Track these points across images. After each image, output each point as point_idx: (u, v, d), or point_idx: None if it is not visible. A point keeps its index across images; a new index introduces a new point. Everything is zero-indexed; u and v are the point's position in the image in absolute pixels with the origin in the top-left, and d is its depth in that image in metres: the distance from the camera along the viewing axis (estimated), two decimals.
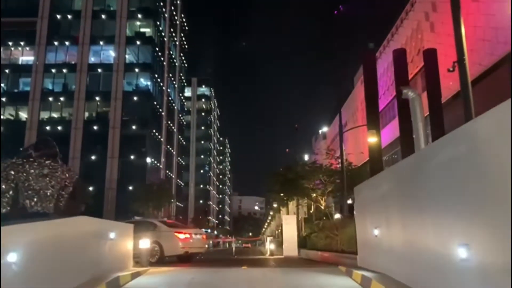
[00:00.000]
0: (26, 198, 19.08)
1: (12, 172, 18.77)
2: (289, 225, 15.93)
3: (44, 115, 52.44)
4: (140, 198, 42.47)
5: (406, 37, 31.83)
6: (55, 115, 52.95)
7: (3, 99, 52.05)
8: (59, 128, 51.79)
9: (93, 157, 51.37)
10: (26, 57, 54.57)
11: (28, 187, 19.48)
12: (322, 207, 28.96)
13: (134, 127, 52.55)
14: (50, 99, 52.70)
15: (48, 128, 51.58)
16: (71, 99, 52.50)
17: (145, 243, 10.68)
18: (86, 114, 53.15)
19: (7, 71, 52.61)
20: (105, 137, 51.30)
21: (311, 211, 34.06)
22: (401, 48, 22.39)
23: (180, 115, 74.67)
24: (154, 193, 41.32)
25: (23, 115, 52.24)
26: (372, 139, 18.10)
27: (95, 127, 52.35)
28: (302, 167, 31.66)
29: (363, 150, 31.09)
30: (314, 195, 30.35)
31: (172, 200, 58.04)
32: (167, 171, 63.06)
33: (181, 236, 14.22)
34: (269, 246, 21.40)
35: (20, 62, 54.34)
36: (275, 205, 50.06)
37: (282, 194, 34.50)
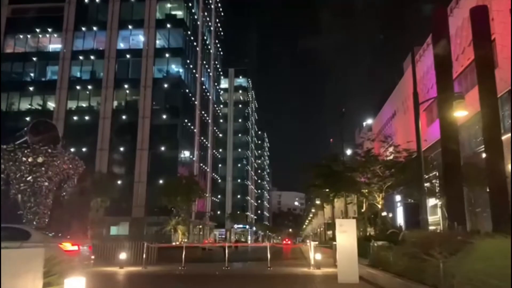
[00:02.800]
0: (18, 191, 15.04)
1: (2, 161, 14.38)
2: (346, 233, 10.94)
3: (72, 104, 49.86)
4: (170, 192, 38.67)
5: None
6: (83, 104, 50.27)
7: (31, 88, 49.84)
8: (87, 118, 49.03)
9: (121, 149, 48.22)
10: (53, 45, 52.15)
11: (20, 179, 15.09)
12: (379, 206, 23.71)
13: (164, 116, 48.93)
14: (78, 87, 50.03)
15: (75, 118, 48.92)
16: (99, 88, 49.58)
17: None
18: (115, 103, 50.10)
19: (34, 59, 50.44)
20: (134, 127, 48.04)
21: (362, 210, 28.82)
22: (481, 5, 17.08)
23: (215, 106, 70.73)
24: (182, 186, 37.43)
25: (51, 104, 49.85)
26: (460, 113, 12.84)
27: (124, 117, 49.20)
28: (353, 157, 26.49)
29: (414, 139, 25.79)
30: (366, 190, 25.22)
31: (206, 194, 54.25)
32: (201, 164, 59.26)
33: (69, 247, 10.69)
34: (314, 255, 16.58)
35: (47, 50, 51.97)
36: (317, 202, 45.11)
37: (327, 190, 29.53)
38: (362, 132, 59.34)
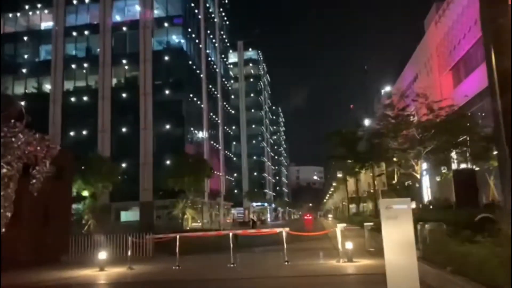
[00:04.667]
0: None
1: None
2: (398, 220, 7.02)
3: (69, 85, 46.52)
4: (176, 173, 35.26)
5: None
6: (80, 84, 46.85)
7: (25, 70, 46.54)
8: (85, 98, 45.67)
9: (124, 129, 44.93)
10: (45, 23, 48.50)
11: None
12: (417, 175, 19.68)
13: (168, 92, 45.23)
14: (74, 66, 46.55)
15: (73, 99, 45.62)
16: (96, 65, 46.00)
17: None
18: (114, 80, 46.54)
19: (26, 39, 46.95)
20: (136, 105, 44.57)
21: (393, 182, 24.84)
22: None
23: (224, 80, 66.58)
24: (190, 166, 33.93)
25: (47, 86, 46.57)
26: None
27: (124, 95, 45.72)
28: (382, 120, 22.27)
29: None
30: (395, 159, 21.24)
31: (218, 173, 50.89)
32: (212, 142, 55.68)
33: None
34: (343, 243, 12.84)
35: (39, 28, 48.34)
36: (339, 175, 41.20)
37: (350, 161, 25.60)
38: (382, 99, 54.77)
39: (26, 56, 47.44)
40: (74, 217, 35.48)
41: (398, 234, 7.11)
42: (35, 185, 17.50)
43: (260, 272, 12.29)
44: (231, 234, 14.91)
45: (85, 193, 34.99)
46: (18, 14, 48.06)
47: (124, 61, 46.38)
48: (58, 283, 12.02)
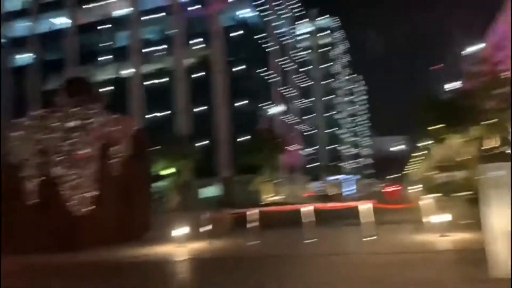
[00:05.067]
0: (55, 164, 12.07)
1: (35, 130, 11.14)
2: (498, 189, 5.71)
3: (146, 69, 48.16)
4: (251, 149, 35.20)
5: None
6: (156, 67, 48.30)
7: (104, 58, 49.01)
8: (162, 81, 47.05)
9: (200, 108, 45.78)
10: (120, 10, 50.33)
11: (55, 149, 11.71)
12: None
13: (239, 68, 45.01)
14: (150, 50, 47.98)
15: (150, 82, 47.26)
16: (171, 47, 47.01)
17: None
18: (188, 61, 47.31)
19: (103, 27, 49.16)
20: (210, 84, 45.03)
21: (489, 147, 22.17)
22: None
23: (296, 51, 64.90)
24: (264, 141, 33.61)
25: (126, 72, 48.69)
26: None
27: (198, 75, 46.39)
28: (475, 78, 19.61)
29: None
30: (490, 122, 18.75)
31: (293, 147, 50.12)
32: (287, 116, 54.90)
33: None
34: (436, 216, 11.49)
35: (115, 15, 50.34)
36: (427, 143, 38.25)
37: (440, 126, 23.27)
38: (472, 55, 49.67)
39: (105, 44, 49.81)
40: (158, 195, 37.17)
41: (499, 205, 5.83)
42: (115, 165, 18.17)
43: (340, 248, 11.46)
44: (308, 208, 14.17)
45: (167, 172, 36.19)
46: (95, 5, 50.34)
47: (196, 40, 46.87)
48: (139, 260, 12.21)
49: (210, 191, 45.58)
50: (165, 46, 47.46)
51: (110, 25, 49.29)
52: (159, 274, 9.89)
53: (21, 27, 51.23)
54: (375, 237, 12.23)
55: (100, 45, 49.85)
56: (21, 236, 15.92)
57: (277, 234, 16.26)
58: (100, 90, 46.12)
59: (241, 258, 10.98)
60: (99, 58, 49.06)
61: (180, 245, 13.85)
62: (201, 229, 14.97)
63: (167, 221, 18.08)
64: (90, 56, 49.18)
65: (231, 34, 45.42)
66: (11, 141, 15.47)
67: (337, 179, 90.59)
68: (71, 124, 15.03)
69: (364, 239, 12.14)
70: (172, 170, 36.51)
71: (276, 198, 42.91)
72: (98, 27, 49.36)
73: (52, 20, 50.86)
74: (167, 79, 46.93)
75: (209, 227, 15.06)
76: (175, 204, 35.52)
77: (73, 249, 14.95)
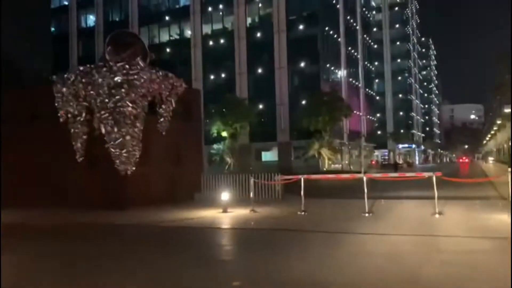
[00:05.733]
0: (99, 121, 11.96)
1: (81, 85, 10.99)
2: None
3: (207, 29, 47.28)
4: (312, 112, 33.53)
5: None
6: (217, 27, 47.21)
7: (167, 17, 48.69)
8: (222, 41, 46.06)
9: (260, 70, 44.37)
10: None
11: (100, 105, 11.40)
12: None
13: (302, 27, 42.74)
14: (210, 9, 46.85)
15: (211, 43, 46.41)
16: (231, 6, 45.51)
17: None
18: (248, 20, 45.69)
19: None
20: (270, 44, 43.27)
21: None
22: None
23: (364, 10, 60.60)
24: (325, 105, 31.76)
25: (188, 32, 48.12)
26: None
27: (258, 34, 44.73)
28: None
29: None
30: None
31: (357, 112, 47.54)
32: (351, 79, 51.91)
33: None
34: None
35: None
36: (507, 110, 34.09)
37: None
38: None
39: (168, 5, 49.37)
40: (215, 157, 37.07)
41: None
42: (163, 124, 17.44)
43: (403, 226, 9.85)
44: (366, 177, 12.58)
45: (224, 134, 35.72)
46: None
47: None
48: (177, 224, 11.49)
49: (267, 155, 44.82)
50: (227, 5, 45.99)
51: None
52: (191, 241, 9.03)
53: None
54: (444, 215, 10.48)
55: (165, 5, 49.44)
56: (71, 192, 15.99)
57: (332, 204, 14.88)
58: (160, 50, 46.39)
59: (284, 231, 9.79)
60: (164, 18, 48.79)
61: (224, 210, 12.99)
62: (251, 194, 13.94)
63: (219, 184, 17.35)
64: (152, 16, 49.09)
65: None
66: (59, 97, 15.17)
67: (407, 147, 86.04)
68: (116, 80, 14.35)
69: (434, 216, 10.45)
70: (230, 132, 35.98)
71: (337, 165, 41.19)
72: None
73: None
74: (227, 39, 45.74)
75: (251, 193, 13.99)
76: (231, 167, 35.07)
77: (121, 207, 14.70)
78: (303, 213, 12.20)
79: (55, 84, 15.25)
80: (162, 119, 16.13)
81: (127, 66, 14.50)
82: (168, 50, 48.26)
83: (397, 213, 12.32)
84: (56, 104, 15.24)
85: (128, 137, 14.44)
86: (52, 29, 53.38)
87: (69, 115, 15.22)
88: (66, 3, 52.73)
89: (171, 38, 48.87)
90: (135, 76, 14.59)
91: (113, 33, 16.43)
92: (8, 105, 17.97)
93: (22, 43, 50.78)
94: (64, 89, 15.16)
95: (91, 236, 10.30)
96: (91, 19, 51.04)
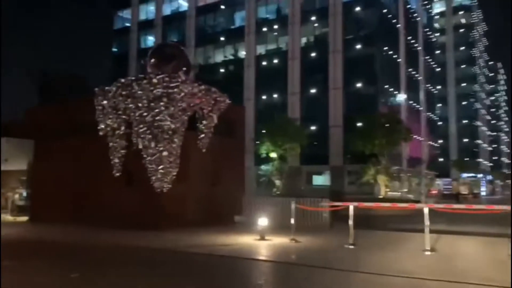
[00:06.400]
0: (137, 135, 11.49)
1: (121, 98, 10.43)
2: None
3: (260, 49, 46.90)
4: (368, 135, 31.52)
5: None
6: (271, 47, 46.71)
7: (222, 38, 49.00)
8: (276, 61, 45.43)
9: (313, 90, 43.10)
10: None
11: (139, 119, 10.83)
12: None
13: (359, 46, 41.13)
14: (265, 29, 46.56)
15: (264, 63, 45.95)
16: (286, 26, 44.97)
17: None
18: (303, 40, 44.79)
19: (223, 7, 49.02)
20: (325, 64, 41.99)
21: None
22: None
23: (427, 31, 57.78)
24: (382, 127, 29.67)
25: (243, 52, 47.99)
26: None
27: (313, 54, 43.63)
28: None
29: None
30: None
31: (418, 137, 44.57)
32: (411, 102, 49.10)
33: None
34: None
35: None
36: None
37: None
38: None
39: (223, 25, 49.72)
40: (262, 178, 35.79)
41: None
42: (203, 141, 16.49)
43: (476, 271, 8.00)
44: (426, 208, 10.78)
45: (274, 155, 34.50)
46: None
47: (313, 18, 44.08)
48: (209, 251, 10.31)
49: (319, 179, 42.95)
50: (281, 25, 45.50)
51: (228, 5, 48.91)
52: (218, 274, 7.77)
53: (147, 10, 53.94)
54: None
55: (221, 26, 49.90)
56: (107, 208, 15.40)
57: (387, 237, 13.07)
58: (214, 71, 46.58)
59: (327, 272, 8.26)
60: (219, 39, 49.20)
61: (262, 237, 11.66)
62: (292, 221, 12.50)
63: (262, 207, 16.08)
64: (208, 37, 49.65)
65: (352, 9, 41.61)
66: (100, 109, 14.75)
67: (472, 176, 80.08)
68: (155, 92, 13.67)
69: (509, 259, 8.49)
70: (279, 153, 34.73)
71: (394, 193, 38.43)
72: (216, 8, 49.38)
73: (176, 1, 52.50)
74: (280, 59, 45.05)
75: (292, 220, 12.54)
76: (279, 189, 33.71)
77: (156, 228, 13.84)
78: (351, 246, 10.59)
79: (96, 97, 14.88)
80: (202, 136, 15.24)
81: (167, 79, 13.80)
82: (222, 70, 48.39)
83: (465, 252, 10.34)
84: (96, 117, 14.86)
85: (165, 153, 13.61)
86: (114, 49, 55.61)
87: (108, 129, 14.76)
88: (128, 24, 54.82)
89: (225, 58, 48.99)
90: (175, 89, 13.85)
91: (156, 45, 16.00)
92: (48, 119, 18.01)
93: (85, 61, 53.27)
94: (105, 102, 14.74)
95: (123, 261, 9.37)
96: (150, 40, 52.54)
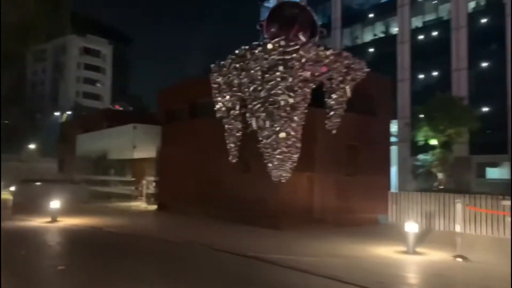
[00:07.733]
0: (251, 114, 9.65)
1: (235, 72, 11.96)
2: None
3: (416, 22, 40.79)
4: None
5: None
6: (429, 17, 40.25)
7: (371, 15, 44.40)
8: (435, 34, 38.93)
9: (485, 64, 35.63)
10: None
11: (253, 94, 9.10)
12: None
13: None
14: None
15: (421, 37, 39.85)
16: None
17: None
18: (471, 4, 37.29)
19: None
20: (501, 32, 34.20)
21: None
22: None
23: None
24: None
25: (394, 29, 42.64)
26: None
27: (484, 21, 36.04)
28: None
29: None
30: None
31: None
32: None
33: None
34: None
35: None
36: None
37: None
38: None
39: (372, 0, 45.00)
40: (420, 170, 30.66)
41: None
42: (333, 120, 13.34)
43: None
44: None
45: (434, 142, 29.35)
46: None
47: None
48: (335, 263, 7.36)
49: (495, 172, 35.44)
50: None
51: None
52: None
53: None
54: None
55: (365, 3, 45.44)
56: (223, 199, 13.58)
57: None
58: (363, 51, 42.39)
59: None
60: (367, 16, 44.90)
61: (409, 250, 8.18)
62: (457, 228, 8.64)
63: (415, 205, 12.39)
64: (356, 16, 45.68)
65: None
66: (216, 87, 12.96)
67: None
68: (269, 61, 11.13)
69: None
70: (441, 140, 29.41)
71: None
72: None
73: None
74: (441, 31, 38.51)
75: (477, 225, 8.59)
76: (443, 183, 28.42)
77: (275, 226, 11.44)
78: None
79: (212, 74, 13.14)
80: (332, 113, 12.16)
81: (283, 43, 11.12)
82: (371, 50, 43.84)
83: None
84: (212, 97, 13.13)
85: (282, 134, 11.02)
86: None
87: (223, 109, 12.88)
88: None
89: (374, 37, 44.23)
90: (294, 55, 11.07)
91: (273, 6, 13.40)
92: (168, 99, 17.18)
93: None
94: (219, 79, 12.89)
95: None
96: None
